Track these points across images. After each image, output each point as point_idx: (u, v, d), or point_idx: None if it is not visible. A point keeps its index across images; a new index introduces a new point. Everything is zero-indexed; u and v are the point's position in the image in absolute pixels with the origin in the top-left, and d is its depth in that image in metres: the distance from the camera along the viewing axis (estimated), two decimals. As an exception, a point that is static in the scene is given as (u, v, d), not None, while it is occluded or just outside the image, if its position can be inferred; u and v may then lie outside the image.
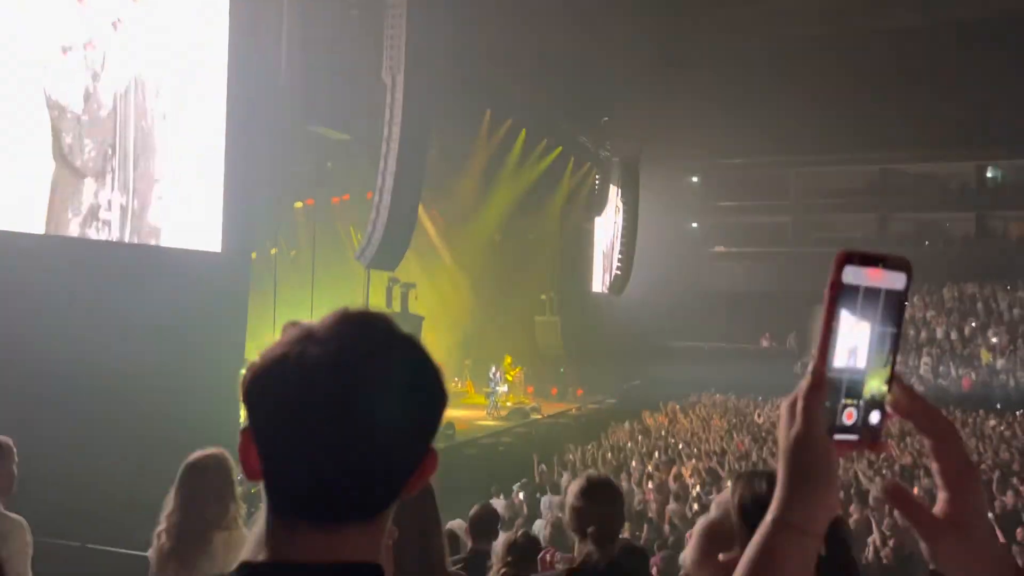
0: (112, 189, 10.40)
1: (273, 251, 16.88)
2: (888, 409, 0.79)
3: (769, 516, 0.79)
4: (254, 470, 0.86)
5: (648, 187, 29.93)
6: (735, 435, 16.22)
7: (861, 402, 0.78)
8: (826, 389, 0.77)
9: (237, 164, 11.93)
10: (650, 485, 10.87)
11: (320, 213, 18.40)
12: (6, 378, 7.93)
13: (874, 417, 0.79)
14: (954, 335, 28.59)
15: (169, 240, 11.13)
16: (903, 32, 29.14)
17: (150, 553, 2.95)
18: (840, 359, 0.77)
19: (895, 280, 0.77)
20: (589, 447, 15.14)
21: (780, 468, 0.80)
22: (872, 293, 0.77)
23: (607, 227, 29.82)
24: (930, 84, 29.15)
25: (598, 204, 28.79)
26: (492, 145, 22.76)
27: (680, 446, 14.93)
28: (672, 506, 9.30)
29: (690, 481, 11.00)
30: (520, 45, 21.52)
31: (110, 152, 10.31)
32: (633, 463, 12.98)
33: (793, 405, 0.79)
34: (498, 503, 10.98)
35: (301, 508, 0.84)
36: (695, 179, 37.07)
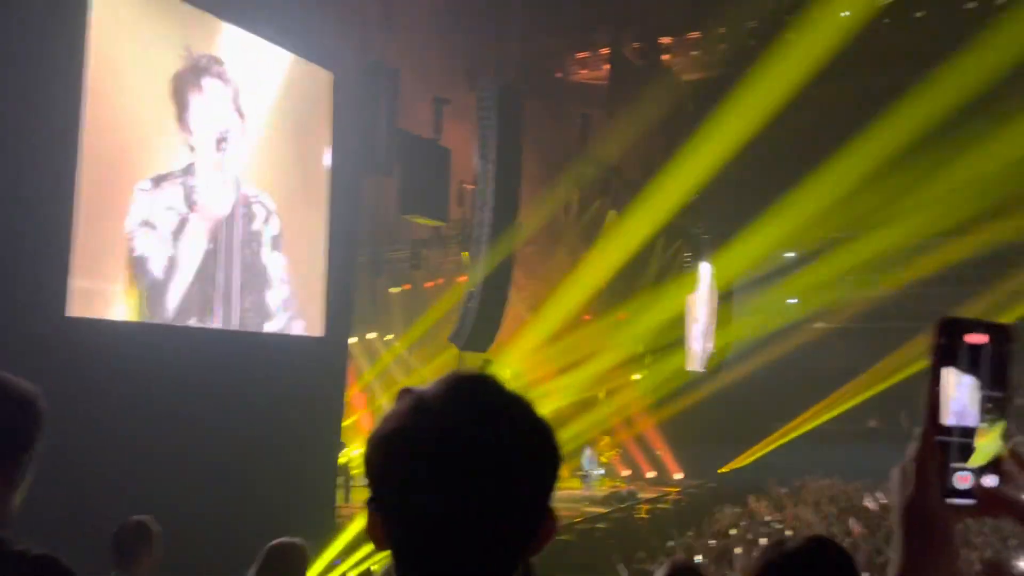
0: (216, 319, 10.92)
1: (371, 335, 17.33)
2: (1005, 466, 0.78)
3: None
4: (380, 539, 0.88)
5: (742, 263, 29.44)
6: (848, 522, 15.32)
7: (974, 468, 0.77)
8: (936, 452, 0.77)
9: (338, 253, 12.45)
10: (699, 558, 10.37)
11: (415, 298, 18.86)
12: (120, 458, 8.29)
13: (990, 480, 0.77)
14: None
15: (274, 326, 11.60)
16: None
17: None
18: (949, 422, 0.77)
19: (999, 343, 0.77)
20: (691, 533, 14.59)
21: (896, 533, 0.79)
22: (975, 357, 0.77)
23: (701, 305, 29.36)
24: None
25: (690, 281, 28.46)
26: (581, 225, 22.97)
27: (788, 532, 14.19)
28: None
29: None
30: (608, 126, 21.91)
31: (210, 290, 10.83)
32: (737, 550, 12.40)
33: (905, 470, 0.79)
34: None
35: (433, 574, 0.85)
36: (791, 254, 36.27)
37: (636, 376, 25.41)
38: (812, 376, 31.35)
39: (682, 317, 28.98)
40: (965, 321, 0.78)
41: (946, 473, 0.77)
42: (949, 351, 0.77)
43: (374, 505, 0.88)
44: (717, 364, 28.49)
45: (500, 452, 0.84)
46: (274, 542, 3.01)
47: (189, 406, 9.26)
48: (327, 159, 12.49)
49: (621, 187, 22.93)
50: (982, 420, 0.77)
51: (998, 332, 0.77)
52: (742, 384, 27.89)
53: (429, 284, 19.91)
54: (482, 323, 14.67)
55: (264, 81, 11.66)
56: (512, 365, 19.21)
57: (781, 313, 34.38)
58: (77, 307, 9.19)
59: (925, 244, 32.82)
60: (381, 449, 0.87)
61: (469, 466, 0.83)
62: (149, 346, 9.46)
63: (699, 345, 29.44)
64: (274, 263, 11.71)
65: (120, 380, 8.75)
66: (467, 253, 15.24)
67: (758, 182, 29.19)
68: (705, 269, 28.88)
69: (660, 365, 26.32)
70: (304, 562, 3.00)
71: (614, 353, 24.75)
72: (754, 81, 22.32)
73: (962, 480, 0.77)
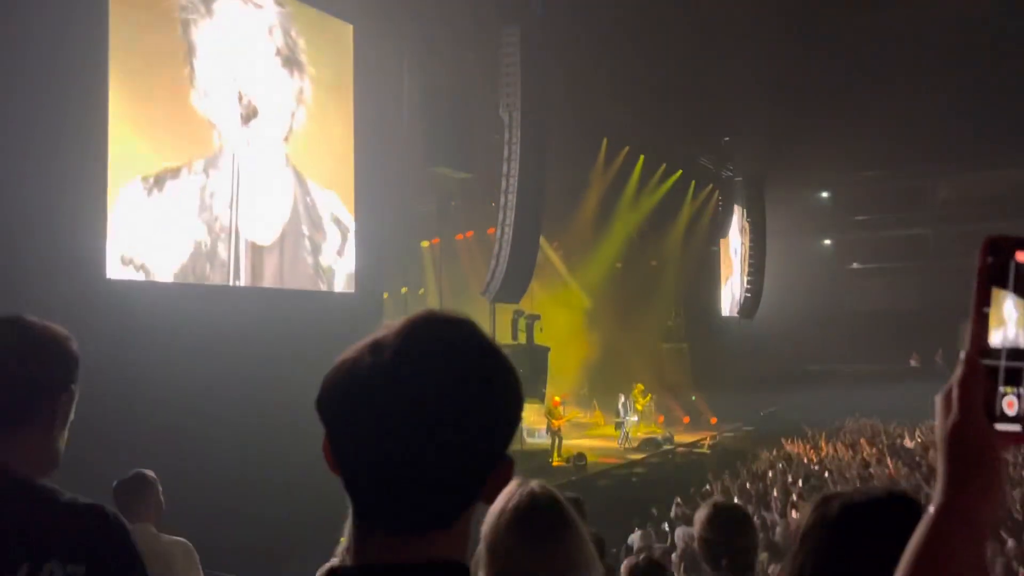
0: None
1: (403, 290, 17.42)
2: None
3: (933, 508, 0.74)
4: (332, 467, 0.88)
5: (775, 205, 28.98)
6: (887, 460, 15.29)
7: (1022, 390, 0.74)
8: (981, 375, 0.74)
9: (367, 208, 12.47)
10: (795, 515, 10.37)
11: (446, 251, 18.87)
12: (161, 415, 8.50)
13: None
14: None
15: (309, 283, 11.71)
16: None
17: None
18: (997, 344, 0.74)
19: None
20: (727, 476, 14.65)
21: (940, 460, 0.76)
22: (1022, 277, 0.73)
23: (734, 249, 29.05)
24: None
25: (722, 226, 28.13)
26: (610, 173, 22.73)
27: (826, 474, 14.20)
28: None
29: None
30: (634, 72, 21.49)
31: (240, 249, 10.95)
32: (775, 492, 12.44)
33: (948, 395, 0.75)
34: (636, 535, 10.79)
35: (376, 516, 0.85)
36: (826, 194, 35.61)
37: (667, 345, 25.32)
38: (848, 318, 31.08)
39: (715, 263, 28.76)
40: (1015, 239, 0.74)
41: (994, 397, 0.73)
42: (997, 270, 0.73)
43: (327, 437, 0.87)
44: (752, 309, 28.30)
45: (449, 393, 0.82)
46: None
47: (225, 364, 9.42)
48: (351, 112, 12.44)
49: (650, 132, 22.58)
50: None
51: None
52: (777, 328, 27.72)
53: (459, 236, 19.92)
54: (512, 274, 14.67)
55: (284, 35, 11.59)
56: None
57: (816, 255, 33.98)
58: (116, 270, 9.36)
59: (959, 180, 32.05)
60: (330, 385, 0.87)
61: (415, 405, 0.81)
62: (185, 306, 9.62)
63: (733, 290, 29.23)
64: (304, 221, 11.78)
65: (159, 339, 8.93)
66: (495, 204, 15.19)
67: (789, 122, 28.58)
68: (737, 212, 28.52)
69: (693, 312, 26.21)
70: None
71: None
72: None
73: (1009, 406, 0.74)
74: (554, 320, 21.08)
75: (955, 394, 0.74)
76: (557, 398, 17.44)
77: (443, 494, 0.84)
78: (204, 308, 9.80)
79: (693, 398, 24.64)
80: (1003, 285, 0.73)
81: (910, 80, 28.30)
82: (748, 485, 13.63)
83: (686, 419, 23.61)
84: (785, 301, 28.77)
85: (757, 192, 28.23)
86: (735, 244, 28.96)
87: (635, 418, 20.29)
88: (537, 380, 16.61)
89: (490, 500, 0.87)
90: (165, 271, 9.98)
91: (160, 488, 3.59)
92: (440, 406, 0.82)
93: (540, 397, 16.87)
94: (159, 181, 9.90)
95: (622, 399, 20.18)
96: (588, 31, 18.67)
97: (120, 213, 9.40)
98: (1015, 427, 0.74)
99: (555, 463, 15.51)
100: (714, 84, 24.95)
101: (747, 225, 28.60)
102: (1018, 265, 0.73)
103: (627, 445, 19.29)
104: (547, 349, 17.77)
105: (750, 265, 28.36)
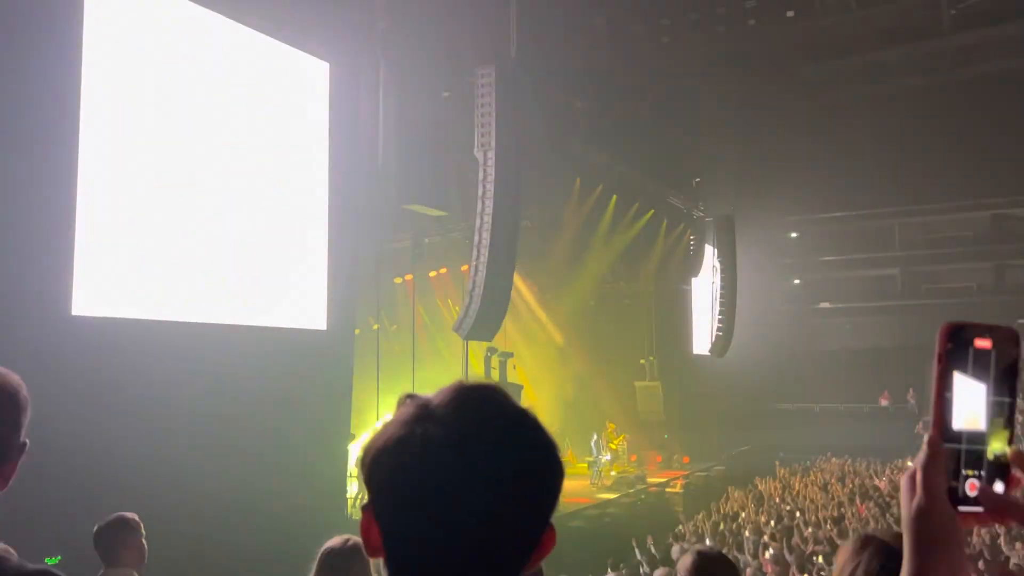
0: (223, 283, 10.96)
1: (375, 326, 17.33)
2: (1015, 472, 0.77)
3: None
4: (376, 547, 0.87)
5: (745, 245, 29.36)
6: (857, 500, 15.34)
7: (983, 473, 0.77)
8: (944, 458, 0.76)
9: (339, 245, 12.44)
10: (766, 555, 10.35)
11: (419, 288, 18.85)
12: (129, 454, 8.32)
13: (997, 487, 0.77)
14: (1093, 387, 26.47)
15: (278, 320, 11.60)
16: (1006, 75, 28.04)
17: None
18: (958, 428, 0.77)
19: (1005, 347, 0.77)
20: (699, 516, 14.60)
21: (905, 542, 0.78)
22: (982, 363, 0.76)
23: (705, 288, 29.31)
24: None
25: (694, 265, 28.40)
26: (583, 212, 22.91)
27: (797, 514, 14.21)
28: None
29: (810, 550, 10.42)
30: (607, 112, 21.82)
31: (211, 286, 10.86)
32: (746, 532, 12.42)
33: (913, 478, 0.78)
34: (607, 577, 10.67)
35: None
36: (794, 235, 36.16)
37: (640, 383, 25.37)
38: (818, 356, 31.36)
39: (687, 302, 28.97)
40: (972, 326, 0.77)
41: (956, 480, 0.76)
42: (957, 356, 0.76)
43: (372, 512, 0.86)
44: (723, 347, 28.48)
45: (506, 467, 0.84)
46: (332, 543, 2.76)
47: (195, 401, 9.28)
48: (325, 149, 12.47)
49: (623, 172, 22.85)
50: (991, 426, 0.76)
51: (1005, 336, 0.77)
52: (748, 366, 27.89)
53: (432, 273, 19.91)
54: (486, 312, 14.66)
55: (259, 73, 11.63)
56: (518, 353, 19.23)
57: (786, 295, 34.36)
58: (81, 306, 9.21)
59: (925, 221, 32.73)
60: (383, 456, 0.86)
61: (475, 481, 0.82)
62: (152, 342, 9.48)
63: (705, 329, 29.42)
64: (273, 257, 11.71)
65: (125, 377, 8.78)
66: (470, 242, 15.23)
67: (759, 165, 29.13)
68: (709, 252, 28.83)
69: (665, 351, 26.31)
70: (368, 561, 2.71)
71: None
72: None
73: (971, 488, 0.77)
74: (527, 358, 21.07)
75: (919, 477, 0.77)
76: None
77: (499, 565, 0.85)
78: (173, 345, 9.66)
79: (666, 436, 24.64)
80: (963, 370, 0.76)
81: (871, 123, 29.03)
82: (721, 526, 13.60)
83: (659, 458, 23.59)
84: (756, 340, 29.00)
85: (728, 232, 28.60)
86: (707, 283, 29.24)
87: (607, 457, 20.23)
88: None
89: (531, 568, 0.88)
90: (132, 306, 9.83)
91: (143, 532, 3.51)
92: (501, 480, 0.84)
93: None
94: (127, 213, 9.81)
95: (595, 437, 20.13)
96: (563, 72, 18.96)
97: (86, 246, 9.28)
98: (977, 508, 0.77)
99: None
100: (684, 125, 25.40)
101: (718, 264, 28.91)
102: (976, 351, 0.76)
103: (600, 484, 19.20)
104: (520, 387, 17.73)
105: (721, 304, 28.60)
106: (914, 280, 32.67)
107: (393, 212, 15.58)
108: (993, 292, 31.55)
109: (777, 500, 16.37)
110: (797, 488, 17.84)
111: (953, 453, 0.77)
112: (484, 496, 0.83)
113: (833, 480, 18.53)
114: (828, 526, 12.28)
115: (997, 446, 0.77)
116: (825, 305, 34.54)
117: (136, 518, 3.50)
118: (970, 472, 0.77)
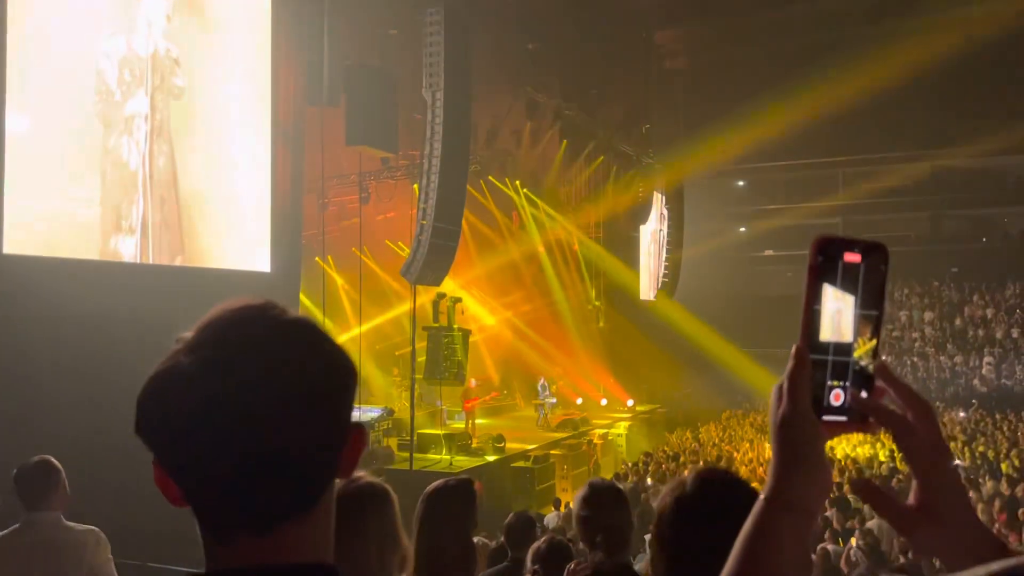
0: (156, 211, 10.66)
1: (319, 260, 17.20)
2: (879, 383, 0.79)
3: (763, 496, 0.79)
4: (176, 498, 0.83)
5: (693, 193, 29.65)
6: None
7: (847, 383, 0.79)
8: (810, 369, 0.78)
9: (283, 183, 12.17)
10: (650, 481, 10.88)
11: (367, 229, 18.63)
12: (65, 397, 8.15)
13: (862, 397, 0.79)
14: (1016, 333, 27.65)
15: (220, 262, 11.36)
16: (950, 25, 28.41)
17: None
18: (825, 339, 0.78)
19: (874, 262, 0.78)
20: (641, 458, 14.96)
21: (772, 449, 0.80)
22: (851, 276, 0.78)
23: (653, 235, 29.58)
24: (981, 78, 28.38)
25: (642, 212, 28.58)
26: (534, 156, 22.78)
27: (735, 454, 14.68)
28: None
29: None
30: (559, 56, 21.56)
31: (144, 226, 10.55)
32: (686, 473, 12.82)
33: (781, 387, 0.79)
34: (552, 516, 10.92)
35: (231, 521, 0.81)
36: (741, 183, 36.61)
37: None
38: (761, 303, 32.06)
39: (635, 248, 29.24)
40: (842, 239, 0.78)
41: (821, 390, 0.78)
42: (827, 269, 0.78)
43: (158, 463, 0.82)
44: (669, 293, 28.92)
45: (267, 381, 0.79)
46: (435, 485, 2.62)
47: (131, 344, 9.05)
48: (268, 89, 12.10)
49: (573, 117, 22.70)
50: (858, 337, 0.78)
51: (874, 251, 0.78)
52: (694, 312, 28.41)
53: (380, 217, 19.68)
54: (434, 257, 14.57)
55: (198, 9, 11.16)
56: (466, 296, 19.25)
57: (731, 242, 34.92)
58: (11, 245, 8.90)
59: (871, 170, 33.41)
60: (147, 402, 0.82)
61: (236, 402, 0.78)
62: (87, 283, 9.22)
63: (651, 274, 29.80)
64: (214, 195, 11.41)
65: (59, 318, 8.54)
66: (417, 185, 15.01)
67: (708, 110, 29.22)
68: (656, 198, 29.01)
69: (613, 296, 26.59)
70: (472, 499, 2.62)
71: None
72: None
73: (836, 398, 0.78)
74: (475, 302, 21.12)
75: (785, 386, 0.78)
76: (472, 380, 17.49)
77: (294, 477, 0.81)
78: (109, 285, 9.40)
79: (611, 380, 25.06)
80: (832, 283, 0.78)
81: (820, 73, 29.26)
82: (663, 466, 13.98)
83: (604, 401, 24.02)
84: (702, 287, 29.50)
85: (676, 180, 28.80)
86: (654, 229, 29.50)
87: (553, 400, 20.52)
88: (457, 362, 16.61)
89: (348, 473, 0.85)
90: (66, 246, 9.53)
91: (64, 476, 3.44)
92: (263, 394, 0.79)
93: (460, 379, 16.87)
94: (60, 148, 9.43)
95: (541, 381, 20.39)
96: (514, 13, 18.62)
97: (15, 183, 8.92)
98: (841, 418, 0.79)
99: (474, 444, 15.58)
100: (636, 71, 25.29)
101: (666, 212, 29.15)
102: (845, 265, 0.78)
103: (545, 427, 19.50)
104: (468, 332, 17.77)
105: (667, 251, 28.95)
106: (855, 229, 33.41)
107: (340, 153, 15.28)
108: (929, 241, 32.53)
109: (716, 441, 16.88)
110: (737, 432, 18.41)
111: (820, 364, 0.78)
112: (250, 416, 0.78)
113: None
114: (765, 470, 12.73)
115: (863, 358, 0.78)
116: (769, 253, 35.21)
117: (56, 462, 3.43)
118: (836, 383, 0.78)
